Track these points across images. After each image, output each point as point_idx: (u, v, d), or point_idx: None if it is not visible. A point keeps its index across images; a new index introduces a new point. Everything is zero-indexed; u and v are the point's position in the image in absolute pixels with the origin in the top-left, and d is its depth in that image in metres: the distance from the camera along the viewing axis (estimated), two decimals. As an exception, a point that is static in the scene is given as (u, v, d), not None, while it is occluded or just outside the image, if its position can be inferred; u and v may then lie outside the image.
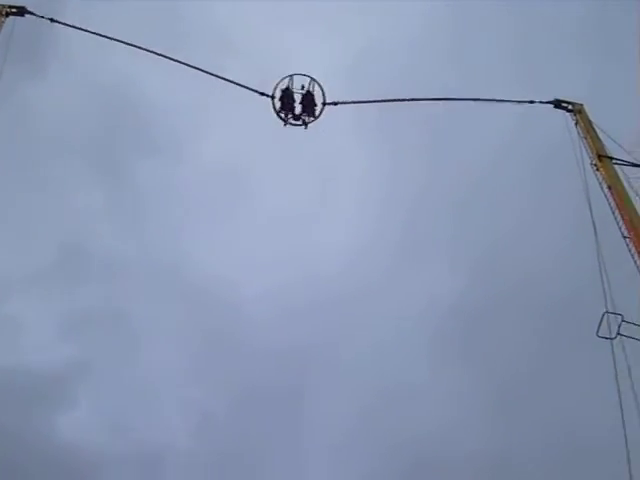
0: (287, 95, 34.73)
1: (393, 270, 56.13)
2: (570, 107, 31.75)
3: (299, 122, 35.12)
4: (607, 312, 26.56)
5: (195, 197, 57.50)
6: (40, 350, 51.72)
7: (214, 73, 33.98)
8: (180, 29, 55.00)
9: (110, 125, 56.34)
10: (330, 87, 34.46)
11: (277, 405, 53.48)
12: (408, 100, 35.32)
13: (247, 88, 34.26)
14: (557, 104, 32.16)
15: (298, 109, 34.97)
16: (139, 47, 33.37)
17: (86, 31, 31.36)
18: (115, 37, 32.52)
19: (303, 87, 34.77)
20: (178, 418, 53.53)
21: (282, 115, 35.01)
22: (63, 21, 31.21)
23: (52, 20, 30.65)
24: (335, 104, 34.71)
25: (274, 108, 34.62)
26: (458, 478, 50.24)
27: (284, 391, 53.80)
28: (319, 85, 34.91)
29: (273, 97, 34.52)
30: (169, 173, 57.77)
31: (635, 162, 28.40)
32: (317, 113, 34.93)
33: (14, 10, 29.39)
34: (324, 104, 34.59)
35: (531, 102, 32.85)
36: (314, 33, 57.46)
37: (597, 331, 26.62)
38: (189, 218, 57.68)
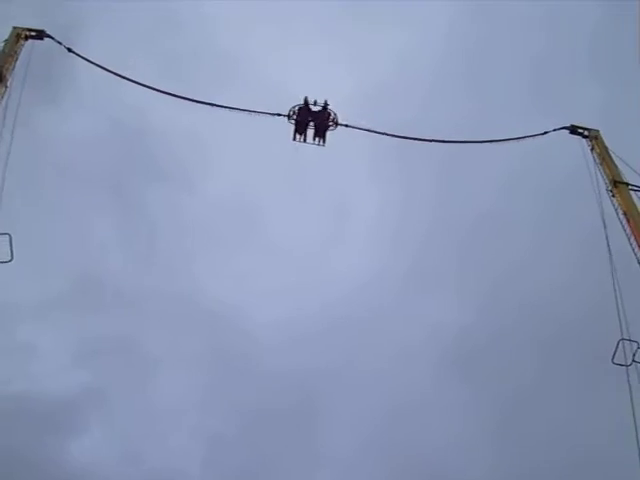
0: (302, 113, 35.84)
1: (402, 298, 56.33)
2: (586, 133, 32.03)
3: (314, 142, 36.51)
4: (623, 339, 26.70)
5: (207, 226, 57.62)
6: (53, 377, 51.76)
7: (228, 105, 34.99)
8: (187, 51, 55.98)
9: (122, 154, 56.72)
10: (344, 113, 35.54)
11: (289, 427, 53.79)
12: (421, 140, 36.05)
13: (260, 112, 35.27)
14: (573, 130, 32.40)
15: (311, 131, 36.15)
16: (149, 87, 33.91)
17: (98, 66, 31.80)
18: (128, 74, 33.12)
19: (316, 102, 35.48)
20: (190, 444, 53.43)
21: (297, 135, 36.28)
22: (80, 52, 31.61)
23: (69, 50, 30.87)
24: (346, 126, 35.57)
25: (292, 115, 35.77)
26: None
27: (296, 413, 54.29)
28: (332, 111, 35.91)
29: (288, 117, 35.72)
30: (181, 202, 58.11)
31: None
32: (330, 129, 35.99)
33: (33, 33, 29.42)
34: (335, 123, 35.71)
35: (544, 133, 33.08)
36: (332, 59, 58.07)
37: (612, 358, 26.73)
38: (201, 247, 57.86)
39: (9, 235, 25.10)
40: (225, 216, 57.71)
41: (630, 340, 26.51)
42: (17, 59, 27.70)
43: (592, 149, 31.37)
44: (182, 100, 56.70)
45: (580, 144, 32.35)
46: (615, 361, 26.70)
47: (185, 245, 57.71)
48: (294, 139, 36.49)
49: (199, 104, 35.48)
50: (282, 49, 57.02)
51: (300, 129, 36.36)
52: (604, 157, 30.38)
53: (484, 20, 59.06)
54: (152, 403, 53.48)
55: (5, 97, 26.00)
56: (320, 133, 36.39)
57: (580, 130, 32.30)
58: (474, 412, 53.28)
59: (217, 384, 54.47)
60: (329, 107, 35.58)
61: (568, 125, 32.62)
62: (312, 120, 36.10)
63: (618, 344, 26.67)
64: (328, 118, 35.93)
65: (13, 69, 27.12)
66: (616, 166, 29.82)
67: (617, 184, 28.91)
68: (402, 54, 57.93)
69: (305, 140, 36.65)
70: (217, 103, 34.98)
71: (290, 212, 59.14)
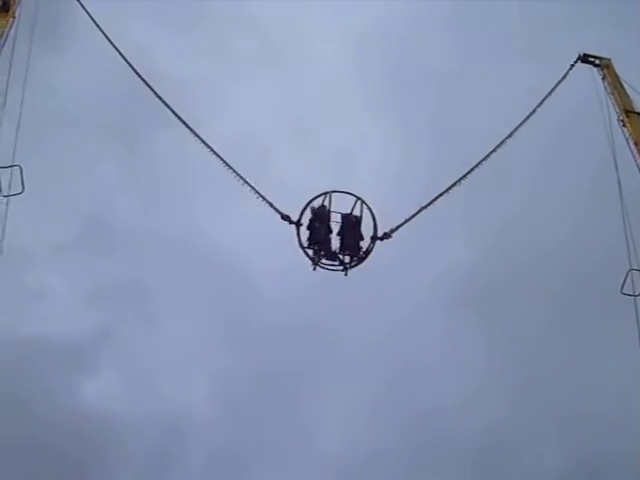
0: (320, 219, 26.37)
1: (408, 243, 56.11)
2: (597, 62, 31.76)
3: (335, 263, 26.53)
4: (632, 269, 26.80)
5: (214, 171, 57.48)
6: (64, 320, 52.26)
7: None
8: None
9: (129, 99, 56.34)
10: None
11: (293, 378, 53.96)
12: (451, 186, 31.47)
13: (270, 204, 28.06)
14: (584, 59, 32.10)
15: (335, 243, 26.50)
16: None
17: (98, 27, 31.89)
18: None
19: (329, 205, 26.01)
20: (198, 388, 54.27)
21: (311, 253, 26.46)
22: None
23: None
24: (389, 237, 27.16)
25: (299, 241, 26.69)
26: (473, 452, 50.82)
27: (300, 365, 54.36)
28: (369, 209, 26.93)
29: (298, 224, 26.82)
30: (187, 146, 57.72)
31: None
32: (363, 251, 26.56)
33: None
34: (375, 239, 26.75)
35: (564, 76, 32.25)
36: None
37: (621, 288, 26.86)
38: (207, 192, 57.47)
39: (20, 167, 25.08)
40: (231, 160, 57.43)
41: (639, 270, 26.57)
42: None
43: (603, 78, 31.12)
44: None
45: (588, 80, 32.10)
46: (624, 291, 26.77)
47: (191, 188, 57.26)
48: (314, 268, 26.50)
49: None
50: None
51: (319, 240, 26.29)
52: (616, 86, 30.30)
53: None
54: (160, 347, 54.25)
55: (13, 28, 25.89)
56: (351, 247, 26.40)
57: (591, 59, 31.97)
58: (485, 357, 53.50)
59: (222, 331, 55.08)
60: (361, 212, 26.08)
61: (580, 54, 32.30)
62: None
63: (627, 274, 26.73)
64: (359, 229, 26.18)
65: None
66: (628, 96, 29.65)
67: (629, 113, 28.78)
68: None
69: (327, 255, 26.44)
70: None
71: (295, 156, 58.74)
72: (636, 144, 27.79)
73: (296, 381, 53.90)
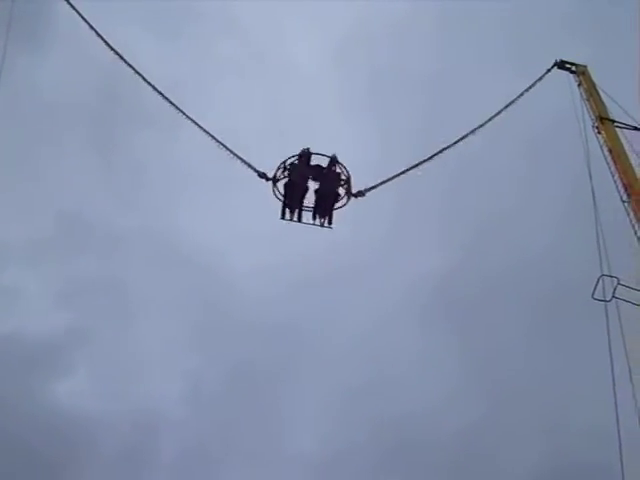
0: (297, 175, 26.83)
1: (383, 249, 56.32)
2: (573, 68, 31.77)
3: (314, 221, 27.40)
4: (603, 275, 26.83)
5: (191, 170, 57.45)
6: (37, 318, 52.23)
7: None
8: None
9: (107, 97, 56.25)
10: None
11: (267, 378, 54.17)
12: (432, 156, 31.77)
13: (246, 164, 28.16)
14: (560, 65, 32.07)
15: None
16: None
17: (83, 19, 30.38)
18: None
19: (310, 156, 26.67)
20: (172, 387, 54.26)
21: (287, 211, 27.24)
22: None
23: None
24: (362, 195, 27.79)
25: (276, 195, 27.43)
26: (444, 455, 50.83)
27: (274, 364, 54.27)
28: (343, 167, 27.74)
29: (275, 180, 27.44)
30: (166, 146, 57.46)
31: (638, 126, 28.63)
32: (337, 206, 27.27)
33: None
34: (349, 194, 27.66)
35: (541, 78, 32.15)
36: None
37: (592, 294, 26.85)
38: (186, 191, 57.84)
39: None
40: (210, 158, 57.21)
41: (610, 276, 26.56)
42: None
43: (579, 85, 31.11)
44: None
45: (564, 87, 32.17)
46: (595, 296, 26.77)
47: (169, 187, 57.65)
48: (283, 217, 27.52)
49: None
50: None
51: (293, 200, 27.05)
52: (591, 93, 30.19)
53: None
54: (136, 345, 54.06)
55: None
56: (324, 209, 27.14)
57: (568, 65, 31.99)
58: (457, 363, 53.76)
59: (199, 327, 55.29)
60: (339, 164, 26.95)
61: (557, 60, 32.24)
62: (315, 180, 27.06)
63: (598, 280, 26.74)
64: (338, 182, 26.99)
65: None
66: (603, 103, 29.66)
67: (603, 120, 28.78)
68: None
69: (300, 218, 27.44)
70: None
71: (276, 156, 58.89)
72: (610, 151, 27.76)
73: (270, 380, 54.15)
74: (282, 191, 27.20)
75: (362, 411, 52.72)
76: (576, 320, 45.63)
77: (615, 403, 25.20)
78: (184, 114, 29.58)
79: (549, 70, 32.45)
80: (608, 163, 27.88)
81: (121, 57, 30.29)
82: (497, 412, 50.75)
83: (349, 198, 27.40)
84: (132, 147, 57.56)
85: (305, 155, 27.03)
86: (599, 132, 28.81)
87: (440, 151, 31.81)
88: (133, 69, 30.23)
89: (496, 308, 52.75)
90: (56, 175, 54.79)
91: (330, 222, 27.67)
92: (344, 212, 27.19)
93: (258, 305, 54.02)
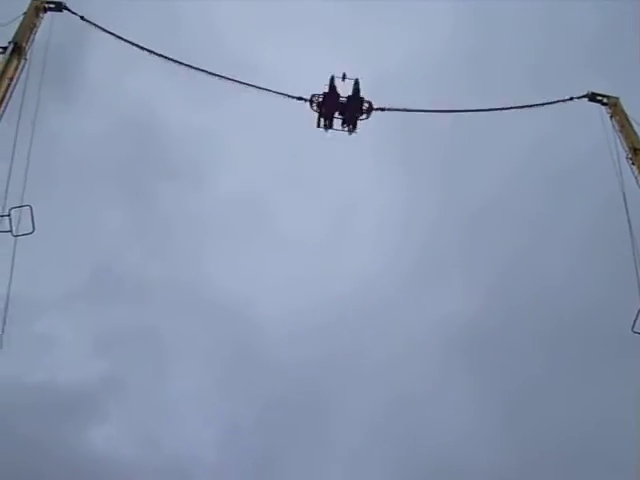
0: (329, 102, 32.23)
1: (408, 290, 57.11)
2: (605, 100, 31.72)
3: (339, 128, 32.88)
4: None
5: (217, 220, 58.66)
6: (72, 368, 52.75)
7: (243, 82, 32.93)
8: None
9: (134, 151, 57.64)
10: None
11: (299, 416, 54.72)
12: (448, 111, 35.72)
13: (280, 93, 32.11)
14: (592, 97, 32.00)
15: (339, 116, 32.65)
16: (167, 57, 32.58)
17: (112, 34, 31.35)
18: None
19: (345, 77, 31.87)
20: (206, 431, 54.42)
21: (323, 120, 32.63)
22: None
23: (82, 18, 30.47)
24: (383, 110, 32.55)
25: (312, 107, 32.54)
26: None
27: (305, 403, 54.99)
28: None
29: (311, 102, 32.43)
30: (191, 197, 59.08)
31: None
32: (362, 117, 32.48)
33: (52, 5, 29.31)
34: (370, 109, 32.38)
35: (570, 99, 32.42)
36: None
37: (633, 327, 26.80)
38: (211, 241, 58.79)
39: (30, 207, 25.17)
40: (235, 211, 58.87)
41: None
42: (36, 32, 27.90)
43: (611, 117, 31.00)
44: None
45: (597, 119, 32.12)
46: (635, 329, 26.76)
47: (196, 239, 58.68)
48: (318, 125, 33.01)
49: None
50: (288, 49, 57.63)
51: (326, 117, 32.81)
52: (624, 124, 30.09)
53: (486, 19, 59.62)
54: (168, 391, 54.63)
55: (25, 69, 26.50)
56: (350, 122, 32.74)
57: (599, 97, 31.96)
58: (480, 402, 53.69)
59: (230, 371, 55.49)
60: (361, 92, 32.09)
61: (587, 92, 32.26)
62: (340, 111, 32.55)
63: (638, 313, 26.78)
64: (361, 107, 32.37)
65: (32, 42, 27.34)
66: (636, 133, 29.51)
67: (637, 151, 28.67)
68: (407, 49, 58.12)
69: (331, 126, 33.05)
70: (233, 78, 32.92)
71: (298, 207, 60.44)
72: (646, 181, 27.91)
73: (301, 418, 54.83)
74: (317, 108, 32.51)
75: (391, 443, 53.59)
76: (598, 354, 46.39)
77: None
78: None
79: (572, 98, 32.55)
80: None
81: (151, 51, 31.91)
82: (517, 447, 50.72)
83: (370, 113, 32.32)
84: (156, 198, 59.22)
85: (332, 82, 32.27)
86: (633, 163, 28.75)
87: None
88: (168, 58, 32.24)
89: (517, 345, 53.81)
90: (86, 226, 56.06)
91: (355, 128, 32.86)
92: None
93: (286, 346, 55.10)
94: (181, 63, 32.55)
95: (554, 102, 32.87)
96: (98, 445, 51.25)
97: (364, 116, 32.58)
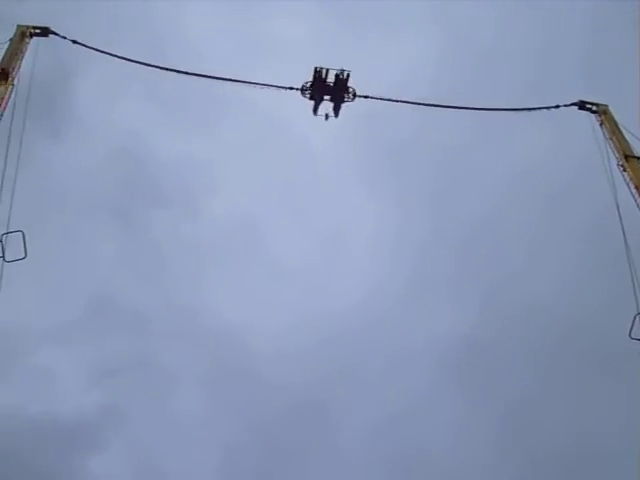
0: (317, 87, 34.04)
1: (401, 308, 57.49)
2: (594, 108, 31.59)
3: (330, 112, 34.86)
4: (639, 314, 26.51)
5: (210, 246, 59.50)
6: (71, 397, 52.84)
7: (237, 79, 33.25)
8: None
9: (125, 181, 58.46)
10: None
11: (296, 434, 54.37)
12: (433, 105, 34.87)
13: (271, 86, 33.63)
14: (581, 106, 31.96)
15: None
16: (161, 67, 32.32)
17: (105, 53, 31.18)
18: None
19: (328, 72, 33.66)
20: (206, 458, 53.75)
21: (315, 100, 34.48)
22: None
23: (74, 42, 30.38)
24: (366, 97, 34.15)
25: (303, 92, 34.28)
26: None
27: (302, 421, 54.82)
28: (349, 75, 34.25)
29: (303, 89, 34.22)
30: (184, 225, 59.94)
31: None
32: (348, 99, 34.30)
33: (38, 31, 29.26)
34: (354, 95, 34.09)
35: (557, 106, 32.45)
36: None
37: (629, 333, 26.46)
38: (206, 267, 59.59)
39: (22, 232, 24.71)
40: (228, 236, 59.64)
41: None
42: (22, 58, 27.68)
43: (601, 124, 30.82)
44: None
45: (587, 128, 32.08)
46: (633, 336, 26.41)
47: (191, 265, 59.29)
48: (315, 114, 35.15)
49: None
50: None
51: (317, 94, 34.66)
52: (614, 131, 29.86)
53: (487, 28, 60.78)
54: (167, 419, 54.28)
55: (12, 95, 26.02)
56: (338, 100, 34.76)
57: (589, 105, 31.87)
58: (473, 417, 54.14)
59: (229, 397, 55.63)
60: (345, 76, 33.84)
61: (577, 101, 32.18)
62: (328, 94, 34.43)
63: (635, 318, 26.43)
64: (347, 87, 34.27)
65: (19, 68, 27.08)
66: (626, 140, 29.31)
67: (628, 158, 28.40)
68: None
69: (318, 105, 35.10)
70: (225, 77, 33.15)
71: (292, 229, 61.28)
72: (637, 188, 27.30)
73: (300, 442, 54.44)
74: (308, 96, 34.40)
75: (385, 454, 53.64)
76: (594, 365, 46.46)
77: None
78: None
79: (558, 106, 32.53)
80: (636, 200, 27.51)
81: (145, 64, 31.70)
82: (509, 462, 50.55)
83: (355, 99, 34.16)
84: (151, 226, 59.58)
85: (318, 72, 34.00)
86: (624, 170, 28.43)
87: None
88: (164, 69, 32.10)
89: (512, 360, 54.28)
90: (80, 256, 56.26)
91: (337, 115, 34.91)
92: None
93: (283, 365, 55.10)
94: (178, 71, 32.42)
95: (541, 108, 32.93)
96: (98, 474, 51.25)
97: (350, 97, 34.32)
